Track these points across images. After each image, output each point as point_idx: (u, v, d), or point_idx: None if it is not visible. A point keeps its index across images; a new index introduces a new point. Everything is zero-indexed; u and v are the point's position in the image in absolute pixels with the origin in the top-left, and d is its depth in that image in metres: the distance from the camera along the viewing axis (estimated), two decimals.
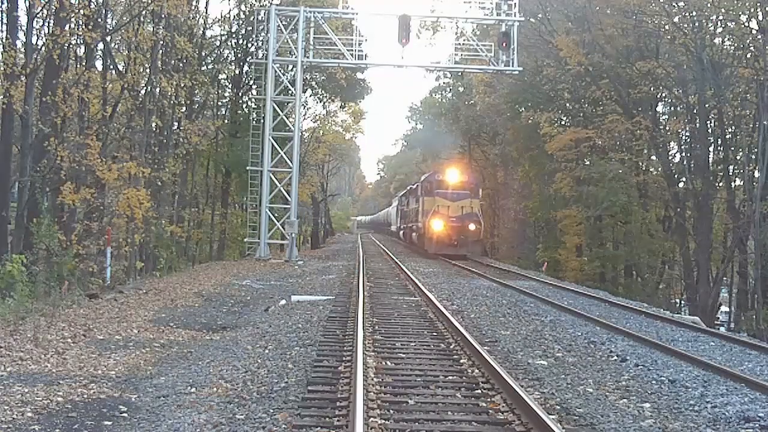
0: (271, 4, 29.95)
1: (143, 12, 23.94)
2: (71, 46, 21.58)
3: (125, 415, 7.04)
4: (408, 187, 41.32)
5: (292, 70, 30.94)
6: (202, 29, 33.33)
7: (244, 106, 36.47)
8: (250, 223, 30.02)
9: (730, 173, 32.20)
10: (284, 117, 29.68)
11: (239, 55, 35.93)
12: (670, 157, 34.27)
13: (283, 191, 29.23)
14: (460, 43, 28.79)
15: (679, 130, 33.33)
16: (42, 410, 7.01)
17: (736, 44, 30.00)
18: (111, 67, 25.84)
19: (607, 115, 33.61)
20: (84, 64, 23.26)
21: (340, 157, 61.70)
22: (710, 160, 31.71)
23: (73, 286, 15.76)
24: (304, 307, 13.92)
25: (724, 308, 33.58)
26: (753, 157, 29.25)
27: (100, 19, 22.46)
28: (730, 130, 31.87)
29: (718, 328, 22.83)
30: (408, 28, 27.09)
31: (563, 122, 39.67)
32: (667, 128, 34.10)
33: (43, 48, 19.92)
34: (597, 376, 8.60)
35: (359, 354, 8.09)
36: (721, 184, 31.97)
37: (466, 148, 52.82)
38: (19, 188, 19.48)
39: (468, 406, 6.92)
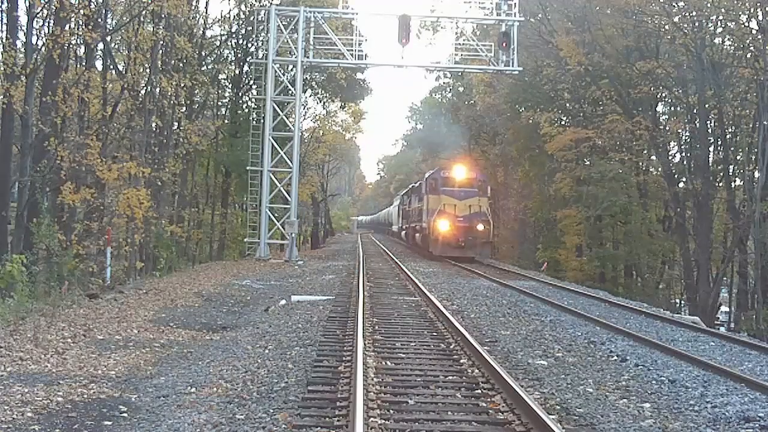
0: (271, 4, 29.98)
1: (143, 12, 23.93)
2: (71, 46, 21.58)
3: (125, 415, 7.04)
4: (410, 185, 39.65)
5: (292, 70, 30.95)
6: (202, 29, 33.36)
7: (244, 106, 36.48)
8: (250, 223, 30.03)
9: (730, 173, 32.22)
10: (284, 117, 29.70)
11: (239, 55, 35.95)
12: (670, 157, 34.28)
13: (283, 191, 29.24)
14: (460, 43, 28.75)
15: (679, 130, 33.35)
16: (42, 410, 7.01)
17: (736, 44, 30.01)
18: (111, 67, 25.85)
19: (607, 115, 33.62)
20: (84, 64, 23.27)
21: (340, 157, 61.71)
22: (710, 160, 31.72)
23: (73, 286, 15.75)
24: (304, 307, 13.92)
25: (724, 308, 33.57)
26: (753, 157, 29.27)
27: (100, 19, 22.47)
28: (730, 130, 31.87)
29: (718, 328, 22.82)
30: (408, 28, 27.11)
31: (563, 122, 39.67)
32: (667, 128, 34.10)
33: (43, 48, 19.92)
34: (597, 376, 8.60)
35: (359, 354, 8.08)
36: (721, 184, 31.97)
37: (466, 148, 52.73)
38: (19, 188, 19.48)
39: (468, 406, 6.92)
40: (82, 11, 19.90)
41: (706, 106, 29.96)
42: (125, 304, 14.20)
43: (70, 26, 19.98)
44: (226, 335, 11.68)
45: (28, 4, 19.69)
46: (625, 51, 32.07)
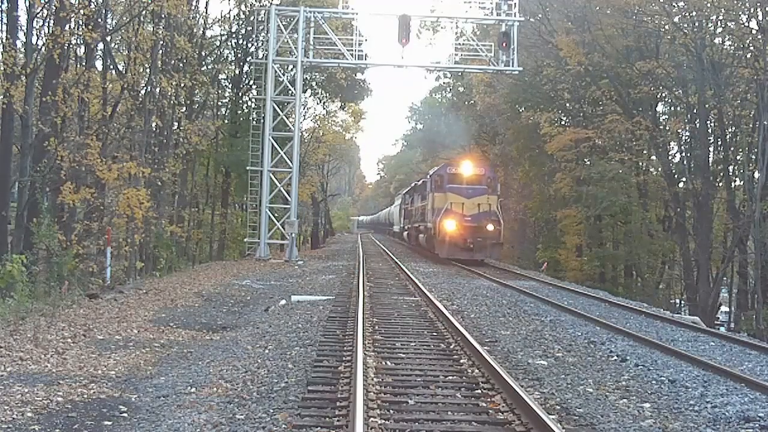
0: (271, 4, 29.99)
1: (143, 12, 23.96)
2: (71, 46, 21.62)
3: (125, 415, 7.04)
4: (413, 183, 37.60)
5: (292, 70, 30.95)
6: (202, 29, 33.38)
7: (244, 106, 36.51)
8: (250, 223, 30.02)
9: (730, 173, 32.24)
10: (284, 117, 29.70)
11: (239, 55, 35.97)
12: (670, 157, 34.29)
13: (283, 191, 29.24)
14: (460, 43, 28.73)
15: (679, 130, 33.34)
16: (42, 410, 7.01)
17: (736, 44, 30.01)
18: (111, 67, 25.88)
19: (607, 115, 33.60)
20: (84, 64, 23.30)
21: (340, 157, 61.76)
22: (710, 160, 31.72)
23: (73, 286, 15.75)
24: (304, 307, 13.92)
25: (724, 308, 33.60)
26: (753, 157, 29.27)
27: (100, 19, 22.49)
28: (730, 130, 31.87)
29: (718, 328, 22.81)
30: (408, 28, 27.11)
31: (563, 122, 39.69)
32: (667, 128, 34.11)
33: (43, 48, 19.94)
34: (597, 376, 8.60)
35: (359, 354, 8.09)
36: (721, 184, 31.98)
37: (467, 148, 52.67)
38: (19, 188, 19.50)
39: (468, 406, 6.92)
40: (82, 11, 19.92)
41: (706, 106, 29.96)
42: (125, 304, 14.20)
43: (70, 26, 20.01)
44: (226, 335, 11.68)
45: (28, 4, 19.74)
46: (625, 51, 32.08)
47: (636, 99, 32.08)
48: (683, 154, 34.31)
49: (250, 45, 34.67)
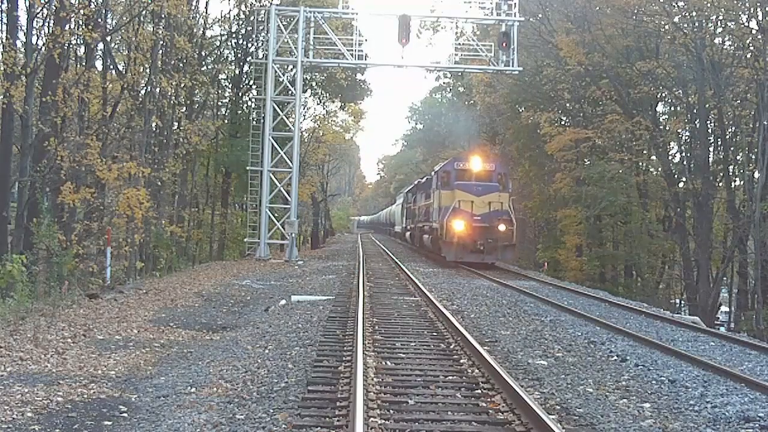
0: (271, 4, 29.99)
1: (143, 12, 23.98)
2: (71, 46, 21.62)
3: (125, 415, 7.04)
4: (416, 181, 35.64)
5: (292, 70, 30.96)
6: (202, 29, 33.40)
7: (244, 106, 36.52)
8: (250, 223, 30.03)
9: (730, 173, 32.22)
10: (284, 117, 29.71)
11: (239, 55, 35.98)
12: (670, 157, 34.29)
13: (283, 191, 29.24)
14: (460, 43, 28.75)
15: (679, 130, 33.33)
16: (42, 410, 7.01)
17: (736, 44, 30.00)
18: (111, 67, 25.89)
19: (607, 115, 33.60)
20: (84, 64, 23.31)
21: (340, 157, 61.81)
22: (710, 160, 31.71)
23: (73, 286, 15.76)
24: (304, 307, 13.91)
25: (724, 308, 33.58)
26: (753, 157, 29.25)
27: (100, 19, 22.49)
28: (730, 130, 31.87)
29: (718, 328, 22.81)
30: (408, 28, 27.11)
31: (563, 122, 39.67)
32: (667, 128, 34.10)
33: (43, 48, 19.93)
34: (597, 376, 8.60)
35: (359, 354, 8.09)
36: (721, 184, 31.97)
37: (468, 148, 52.59)
38: (19, 188, 19.51)
39: (468, 406, 6.92)
40: (82, 11, 19.93)
41: (706, 106, 29.95)
42: (125, 304, 14.20)
43: (70, 26, 20.01)
44: (226, 335, 11.68)
45: (28, 4, 19.73)
46: (625, 51, 32.07)
47: (636, 99, 32.07)
48: (683, 154, 34.31)
49: (250, 45, 34.69)
